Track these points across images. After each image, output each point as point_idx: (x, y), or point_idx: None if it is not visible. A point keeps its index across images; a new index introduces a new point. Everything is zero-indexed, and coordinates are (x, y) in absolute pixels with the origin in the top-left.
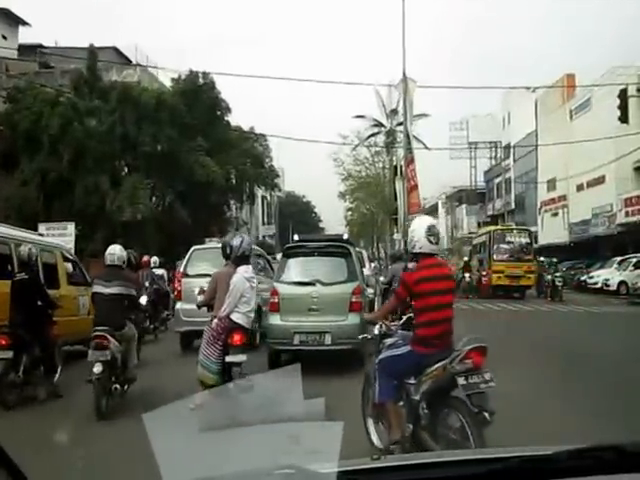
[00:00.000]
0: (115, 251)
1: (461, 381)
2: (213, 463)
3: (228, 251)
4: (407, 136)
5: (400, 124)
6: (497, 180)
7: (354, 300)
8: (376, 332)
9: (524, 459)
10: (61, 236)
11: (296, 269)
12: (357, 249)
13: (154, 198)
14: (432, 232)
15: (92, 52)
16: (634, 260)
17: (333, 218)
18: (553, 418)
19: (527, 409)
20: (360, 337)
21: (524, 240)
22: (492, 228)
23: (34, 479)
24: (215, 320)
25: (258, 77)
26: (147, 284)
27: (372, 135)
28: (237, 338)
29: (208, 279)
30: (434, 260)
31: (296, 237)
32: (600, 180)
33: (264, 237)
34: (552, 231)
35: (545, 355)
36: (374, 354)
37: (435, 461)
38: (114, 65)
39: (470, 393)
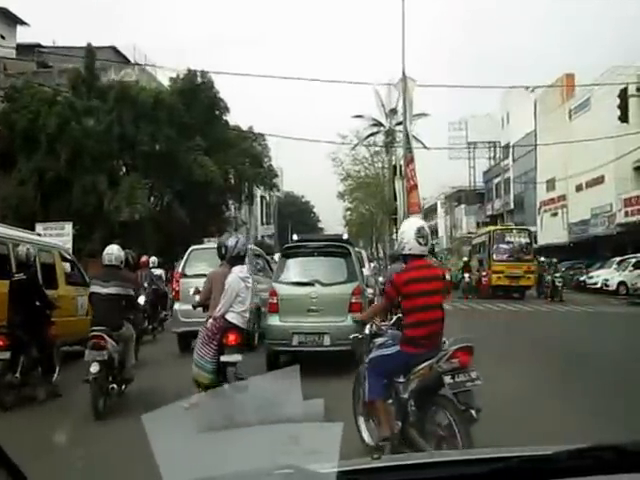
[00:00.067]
0: (113, 251)
1: (448, 380)
2: (213, 463)
3: (223, 251)
4: (407, 135)
5: (399, 124)
6: (496, 180)
7: (354, 301)
8: (367, 332)
9: (524, 459)
10: (59, 236)
11: (295, 269)
12: (356, 249)
13: (152, 198)
14: (421, 234)
15: (90, 51)
16: (633, 260)
17: (332, 218)
18: (553, 418)
19: (527, 409)
20: (351, 337)
21: (524, 240)
22: (492, 228)
23: (34, 479)
24: (210, 320)
25: (256, 76)
26: (146, 284)
27: (371, 135)
28: (232, 338)
29: None
30: (423, 262)
31: (295, 237)
32: (599, 180)
33: (263, 237)
34: (551, 231)
35: (545, 355)
36: (365, 353)
37: (435, 461)
38: (112, 64)
39: (457, 391)
